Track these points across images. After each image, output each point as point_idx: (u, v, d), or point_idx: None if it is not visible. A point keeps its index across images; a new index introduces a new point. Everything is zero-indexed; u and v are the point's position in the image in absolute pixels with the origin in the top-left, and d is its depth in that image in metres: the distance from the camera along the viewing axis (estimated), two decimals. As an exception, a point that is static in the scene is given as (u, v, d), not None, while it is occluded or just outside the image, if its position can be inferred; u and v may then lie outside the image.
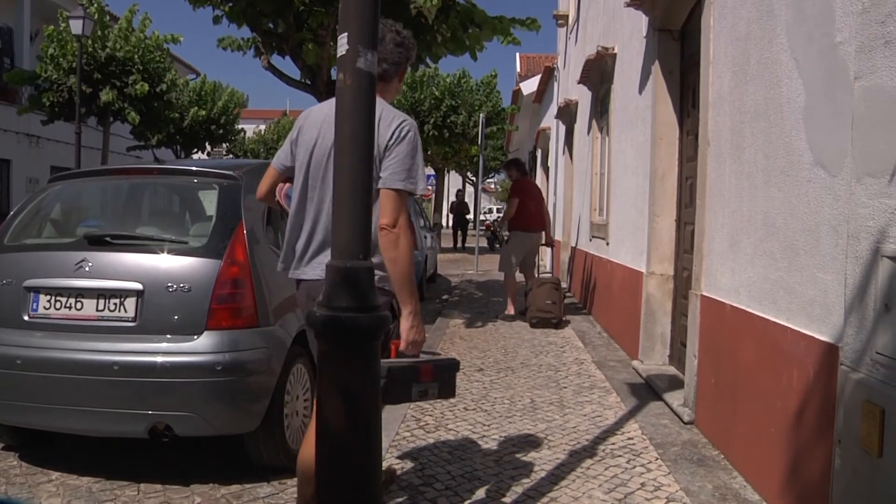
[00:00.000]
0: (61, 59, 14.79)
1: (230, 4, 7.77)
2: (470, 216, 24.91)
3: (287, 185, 2.69)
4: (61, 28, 14.79)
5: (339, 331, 1.91)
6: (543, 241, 8.51)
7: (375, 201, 2.33)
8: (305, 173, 2.51)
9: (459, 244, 23.35)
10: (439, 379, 2.34)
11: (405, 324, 2.40)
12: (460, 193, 25.66)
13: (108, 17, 15.74)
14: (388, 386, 2.21)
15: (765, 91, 3.15)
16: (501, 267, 8.40)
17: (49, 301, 3.15)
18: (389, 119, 2.42)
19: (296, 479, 3.23)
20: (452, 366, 2.40)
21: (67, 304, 3.13)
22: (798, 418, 2.65)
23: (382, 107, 2.39)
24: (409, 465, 3.40)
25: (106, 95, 14.76)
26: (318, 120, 2.52)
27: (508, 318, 8.07)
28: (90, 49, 14.69)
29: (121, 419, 3.02)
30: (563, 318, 7.66)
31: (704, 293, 3.93)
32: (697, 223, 4.14)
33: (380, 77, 2.31)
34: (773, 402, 2.88)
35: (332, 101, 2.26)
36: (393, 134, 2.38)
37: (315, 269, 2.45)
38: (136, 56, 15.36)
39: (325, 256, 2.29)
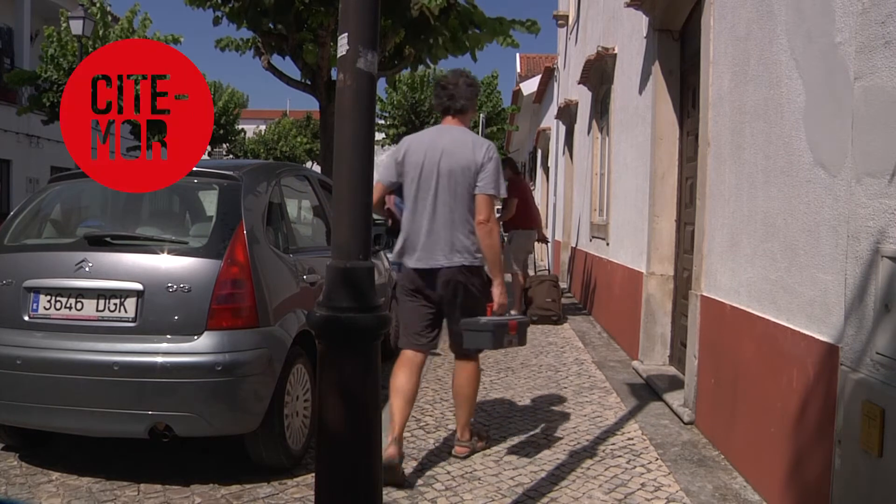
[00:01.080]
0: (61, 60, 14.79)
1: (230, 5, 7.78)
2: None
3: (394, 195, 3.43)
4: (62, 28, 14.78)
5: (339, 331, 1.91)
6: (538, 238, 8.58)
7: (471, 207, 3.24)
8: (416, 186, 3.28)
9: None
10: (519, 332, 3.27)
11: (496, 290, 3.31)
12: None
13: (109, 18, 15.74)
14: (492, 337, 3.14)
15: (765, 91, 3.15)
16: (508, 268, 8.23)
17: (49, 301, 3.15)
18: (480, 143, 3.31)
19: (296, 480, 3.25)
20: (527, 322, 3.42)
21: (67, 305, 3.13)
22: (798, 418, 2.65)
23: (470, 134, 3.37)
24: (409, 465, 3.40)
25: (107, 96, 14.75)
26: (423, 144, 3.35)
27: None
28: (91, 49, 14.68)
29: (121, 419, 3.01)
30: (563, 315, 7.92)
31: (704, 293, 3.93)
32: (697, 223, 4.14)
33: (459, 111, 3.40)
34: (773, 403, 2.88)
35: (432, 129, 3.47)
36: (485, 154, 3.25)
37: (435, 260, 3.24)
38: (136, 56, 15.34)
39: (439, 250, 3.23)
